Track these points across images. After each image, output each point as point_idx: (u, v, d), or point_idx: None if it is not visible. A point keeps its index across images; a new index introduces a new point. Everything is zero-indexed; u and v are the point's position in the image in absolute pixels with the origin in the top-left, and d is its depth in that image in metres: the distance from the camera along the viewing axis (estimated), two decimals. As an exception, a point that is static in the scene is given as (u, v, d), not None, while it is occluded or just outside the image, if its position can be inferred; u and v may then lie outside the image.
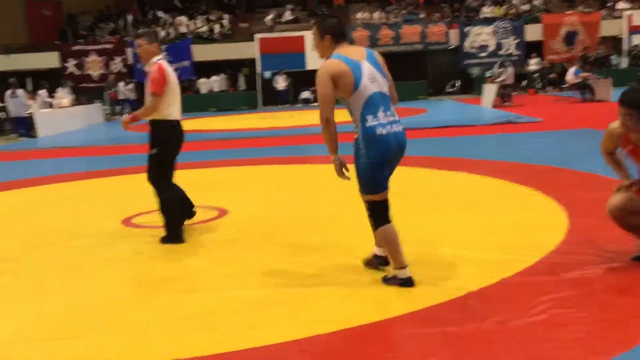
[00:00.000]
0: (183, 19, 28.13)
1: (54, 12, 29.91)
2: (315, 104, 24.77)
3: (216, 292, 3.89)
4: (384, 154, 3.70)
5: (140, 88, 12.85)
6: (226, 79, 27.62)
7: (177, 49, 25.08)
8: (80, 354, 3.12)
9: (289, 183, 7.82)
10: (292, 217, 5.85)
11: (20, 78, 19.66)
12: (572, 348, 2.89)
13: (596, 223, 4.66)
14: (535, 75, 25.10)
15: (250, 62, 26.86)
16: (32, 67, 26.08)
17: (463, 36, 26.53)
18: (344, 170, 3.79)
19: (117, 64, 27.09)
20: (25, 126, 17.43)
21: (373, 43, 26.57)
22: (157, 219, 5.86)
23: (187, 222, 5.46)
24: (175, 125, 5.22)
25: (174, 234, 5.15)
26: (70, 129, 18.95)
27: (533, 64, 25.35)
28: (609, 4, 27.33)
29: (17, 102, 17.17)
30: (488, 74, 22.04)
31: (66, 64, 26.86)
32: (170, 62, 5.68)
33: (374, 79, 3.73)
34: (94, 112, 22.27)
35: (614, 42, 26.28)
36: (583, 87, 18.37)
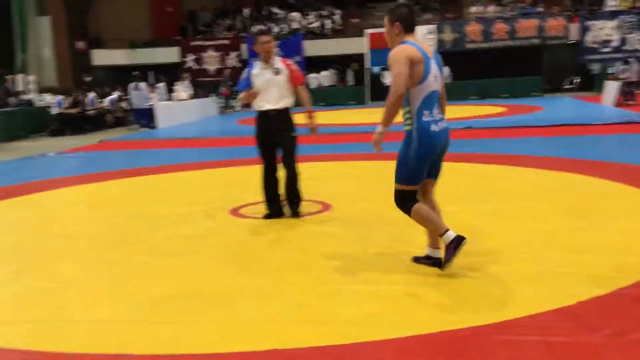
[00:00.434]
0: (295, 15, 28.65)
1: (175, 8, 31.42)
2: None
3: (320, 286, 3.93)
4: (433, 150, 3.87)
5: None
6: (335, 74, 27.86)
7: (289, 45, 25.58)
8: (179, 337, 3.25)
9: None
10: (397, 213, 5.80)
11: (143, 72, 20.82)
12: (693, 368, 2.68)
13: None
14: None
15: (360, 58, 26.92)
16: (155, 61, 27.58)
17: (584, 30, 25.15)
18: (379, 144, 3.95)
19: (232, 59, 28.07)
20: (146, 117, 18.46)
21: (486, 37, 25.83)
22: (264, 210, 6.04)
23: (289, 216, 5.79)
24: None
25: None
26: (187, 121, 19.89)
27: (661, 61, 23.61)
28: None
29: (140, 94, 18.20)
30: (611, 70, 20.79)
31: (185, 59, 28.17)
32: (283, 57, 5.91)
33: (436, 77, 3.89)
34: (209, 105, 23.22)
35: None
36: None
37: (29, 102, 20.03)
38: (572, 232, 4.90)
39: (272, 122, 5.64)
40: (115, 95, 21.05)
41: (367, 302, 3.60)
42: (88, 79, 24.24)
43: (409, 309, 3.49)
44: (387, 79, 25.91)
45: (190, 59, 28.26)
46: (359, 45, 26.33)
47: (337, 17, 28.66)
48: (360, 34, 26.73)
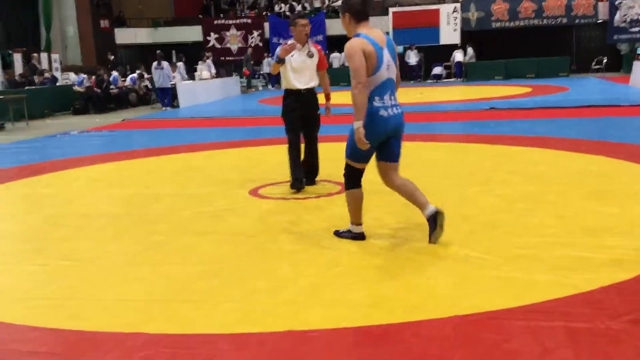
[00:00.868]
0: (319, -7, 28.47)
1: (198, -13, 31.35)
2: (447, 80, 24.32)
3: (335, 268, 3.91)
4: (378, 133, 4.06)
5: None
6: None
7: (311, 24, 25.38)
8: (196, 317, 3.26)
9: (413, 160, 7.68)
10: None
11: (166, 51, 20.86)
12: None
13: None
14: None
15: (383, 37, 26.67)
16: (177, 40, 27.61)
17: (613, 9, 24.56)
18: (363, 140, 3.99)
19: (254, 38, 27.98)
20: (168, 97, 18.53)
21: (513, 16, 25.38)
22: (283, 190, 6.03)
23: (310, 195, 5.82)
24: None
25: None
26: (209, 100, 19.91)
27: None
28: None
29: (162, 73, 18.25)
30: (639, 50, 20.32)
31: (208, 38, 28.14)
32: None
33: (389, 66, 4.07)
34: (232, 84, 23.20)
35: None
36: None
37: (54, 80, 20.23)
38: (595, 215, 4.80)
39: (302, 100, 6.04)
40: (135, 74, 21.14)
41: (383, 285, 3.57)
42: (111, 57, 24.36)
43: (425, 292, 3.45)
44: (412, 58, 25.65)
45: (212, 38, 28.22)
46: (382, 24, 26.06)
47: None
48: (384, 12, 26.44)
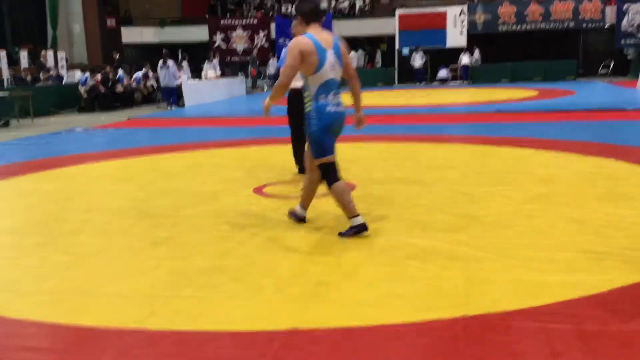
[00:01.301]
0: (325, -6, 28.42)
1: (205, -13, 31.36)
2: (453, 82, 24.28)
3: (340, 267, 3.85)
4: (330, 124, 4.35)
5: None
6: (364, 55, 27.58)
7: (318, 24, 25.32)
8: (200, 313, 3.20)
9: (421, 160, 7.62)
10: (422, 195, 5.69)
11: (172, 50, 20.84)
12: None
13: None
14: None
15: (389, 39, 26.62)
16: (183, 40, 27.61)
17: (621, 14, 24.45)
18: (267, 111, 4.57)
19: (260, 39, 27.96)
20: (174, 96, 18.50)
21: (520, 19, 25.30)
22: (288, 189, 5.98)
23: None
24: None
25: None
26: (215, 100, 19.88)
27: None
28: None
29: (168, 72, 18.22)
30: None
31: (214, 38, 28.13)
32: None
33: (333, 67, 4.32)
34: (237, 84, 23.18)
35: None
36: None
37: (59, 78, 20.22)
38: (608, 216, 4.73)
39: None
40: (140, 73, 21.12)
41: (389, 284, 3.51)
42: (117, 56, 24.38)
43: (434, 291, 3.38)
44: (417, 60, 25.58)
45: (218, 38, 28.21)
46: (388, 26, 26.05)
47: (367, -3, 28.31)
48: (390, 14, 26.40)
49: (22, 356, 2.83)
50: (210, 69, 21.72)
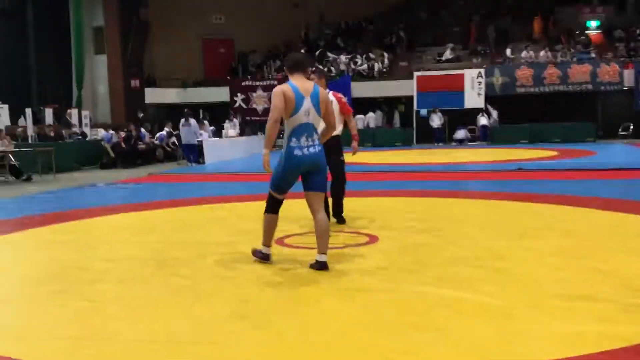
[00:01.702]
0: (343, 57, 28.97)
1: (227, 50, 32.18)
2: (471, 143, 24.22)
3: (364, 317, 3.75)
4: (294, 169, 4.81)
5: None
6: (382, 116, 27.86)
7: (337, 85, 25.68)
8: (221, 359, 3.12)
9: (442, 214, 7.53)
10: (445, 248, 5.59)
11: (194, 109, 21.22)
12: None
13: None
14: None
15: (407, 100, 26.92)
16: (205, 100, 28.14)
17: (639, 77, 24.57)
18: (267, 165, 4.85)
19: (280, 99, 28.41)
20: (194, 153, 18.71)
21: (537, 82, 25.49)
22: (309, 240, 5.91)
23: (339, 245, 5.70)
24: None
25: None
26: (234, 157, 20.07)
27: None
28: None
29: (189, 130, 18.49)
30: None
31: (235, 98, 28.64)
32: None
33: (308, 113, 4.75)
34: (256, 142, 23.43)
35: None
36: None
37: (83, 136, 20.59)
38: (633, 269, 4.61)
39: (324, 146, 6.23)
40: (164, 132, 21.45)
41: (417, 334, 3.39)
42: (141, 115, 24.86)
43: (464, 342, 3.26)
44: (435, 121, 25.76)
45: (239, 99, 28.71)
46: (406, 87, 26.37)
47: (386, 60, 28.78)
48: (408, 76, 26.80)
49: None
50: (231, 128, 22.01)
